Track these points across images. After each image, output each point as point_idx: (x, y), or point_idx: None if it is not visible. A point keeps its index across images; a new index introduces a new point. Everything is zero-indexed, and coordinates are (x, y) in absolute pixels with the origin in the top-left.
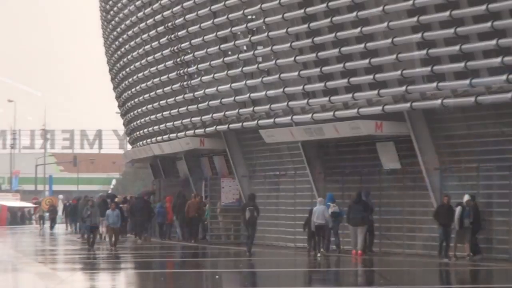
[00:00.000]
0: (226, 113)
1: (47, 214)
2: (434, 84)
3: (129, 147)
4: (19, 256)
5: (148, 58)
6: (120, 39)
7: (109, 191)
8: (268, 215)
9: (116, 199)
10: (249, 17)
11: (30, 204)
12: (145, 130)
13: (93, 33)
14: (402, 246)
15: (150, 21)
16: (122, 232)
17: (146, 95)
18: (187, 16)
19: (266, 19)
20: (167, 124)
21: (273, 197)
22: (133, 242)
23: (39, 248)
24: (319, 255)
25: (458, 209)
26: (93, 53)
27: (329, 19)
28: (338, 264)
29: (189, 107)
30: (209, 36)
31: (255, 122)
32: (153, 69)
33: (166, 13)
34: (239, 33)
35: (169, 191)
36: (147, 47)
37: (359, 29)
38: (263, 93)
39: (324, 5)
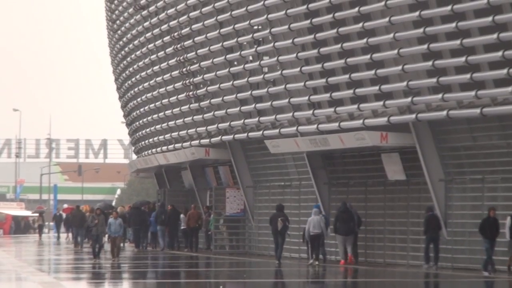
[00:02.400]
0: (232, 123)
1: (51, 223)
2: (440, 96)
3: (134, 156)
4: (23, 265)
5: (154, 67)
6: (126, 49)
7: (114, 201)
8: None
9: (119, 209)
10: (255, 27)
11: (35, 214)
12: (151, 139)
13: (99, 42)
14: (406, 258)
15: (156, 30)
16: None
17: (152, 105)
18: (193, 26)
19: (272, 30)
20: (172, 134)
21: None
22: (131, 251)
23: (43, 258)
24: (317, 263)
25: (508, 220)
26: (99, 62)
27: (335, 30)
28: (343, 275)
29: (194, 117)
30: (215, 46)
31: (261, 132)
32: (158, 78)
33: (172, 23)
34: (245, 43)
35: (174, 201)
36: (153, 56)
37: (365, 39)
38: (269, 103)
39: (330, 15)
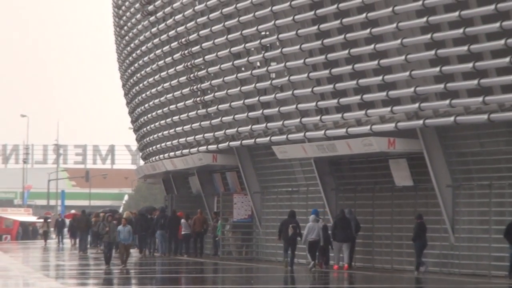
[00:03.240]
0: (239, 129)
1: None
2: (447, 101)
3: (141, 162)
4: (30, 271)
5: (162, 73)
6: (134, 55)
7: (121, 207)
8: None
9: (125, 214)
10: (263, 33)
11: (40, 220)
12: (158, 145)
13: (107, 48)
14: (414, 264)
15: (163, 36)
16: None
17: (159, 111)
18: (200, 32)
19: (280, 36)
20: (180, 139)
21: (285, 213)
22: (138, 258)
23: (50, 264)
24: (314, 266)
25: None
26: (107, 68)
27: (342, 36)
28: (349, 281)
29: (202, 123)
30: (222, 52)
31: (268, 138)
32: (166, 84)
33: (180, 28)
34: (252, 49)
35: (181, 207)
36: (161, 62)
37: (372, 45)
38: (276, 109)
39: (338, 21)
